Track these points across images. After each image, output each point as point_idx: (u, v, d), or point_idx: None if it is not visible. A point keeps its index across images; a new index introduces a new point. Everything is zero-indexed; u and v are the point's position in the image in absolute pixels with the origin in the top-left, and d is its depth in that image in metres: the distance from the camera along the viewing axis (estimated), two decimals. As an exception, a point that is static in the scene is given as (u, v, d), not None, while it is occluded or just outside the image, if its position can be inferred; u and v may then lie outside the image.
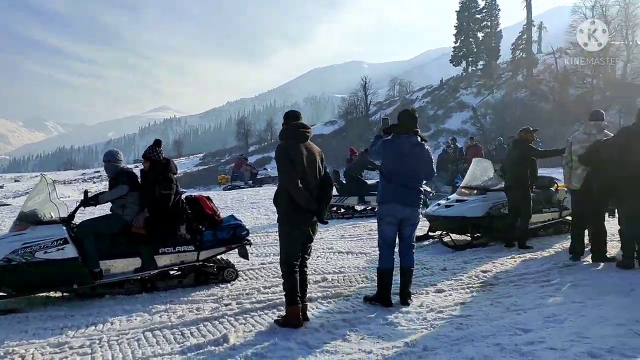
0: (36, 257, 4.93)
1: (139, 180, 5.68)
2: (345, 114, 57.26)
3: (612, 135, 6.30)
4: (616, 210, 6.63)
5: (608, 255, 6.27)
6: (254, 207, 13.68)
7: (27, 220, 5.17)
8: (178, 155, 75.50)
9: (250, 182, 24.09)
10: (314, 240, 4.48)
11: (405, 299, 4.80)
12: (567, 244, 6.98)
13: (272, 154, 4.41)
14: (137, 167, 26.20)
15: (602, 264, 6.11)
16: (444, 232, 8.10)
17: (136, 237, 5.36)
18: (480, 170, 8.55)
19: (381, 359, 3.51)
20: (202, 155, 73.86)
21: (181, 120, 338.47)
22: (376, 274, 4.90)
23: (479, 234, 7.92)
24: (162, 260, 5.53)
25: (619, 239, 6.19)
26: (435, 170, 4.95)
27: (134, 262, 5.42)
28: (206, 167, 58.24)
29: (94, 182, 40.95)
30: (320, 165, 4.37)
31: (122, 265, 5.40)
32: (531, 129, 7.63)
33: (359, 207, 12.01)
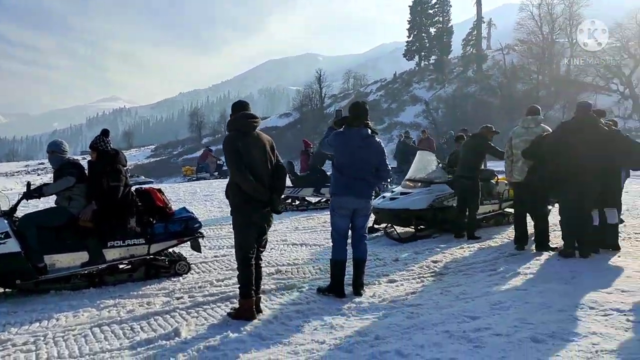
0: (-25, 252, 4.70)
1: (87, 171, 5.49)
2: (300, 106, 57.16)
3: (551, 130, 6.57)
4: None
5: (551, 245, 6.55)
6: (207, 200, 13.48)
7: (-35, 213, 4.92)
8: (128, 147, 73.47)
9: (216, 173, 23.64)
10: (268, 232, 4.47)
11: (358, 290, 4.86)
12: (512, 234, 7.23)
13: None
14: (84, 159, 25.26)
15: (545, 253, 6.35)
16: (389, 225, 8.22)
17: (83, 230, 5.18)
18: (424, 163, 8.67)
19: (334, 349, 3.54)
20: (153, 147, 72.18)
21: (131, 111, 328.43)
22: (329, 266, 4.94)
23: (422, 226, 8.07)
24: (110, 254, 5.37)
25: (560, 229, 6.46)
26: (387, 163, 4.94)
27: (81, 257, 5.23)
28: (158, 159, 57.02)
29: (38, 174, 39.35)
30: (272, 155, 4.33)
31: (68, 260, 5.20)
32: (493, 129, 7.89)
33: (313, 200, 12.03)
